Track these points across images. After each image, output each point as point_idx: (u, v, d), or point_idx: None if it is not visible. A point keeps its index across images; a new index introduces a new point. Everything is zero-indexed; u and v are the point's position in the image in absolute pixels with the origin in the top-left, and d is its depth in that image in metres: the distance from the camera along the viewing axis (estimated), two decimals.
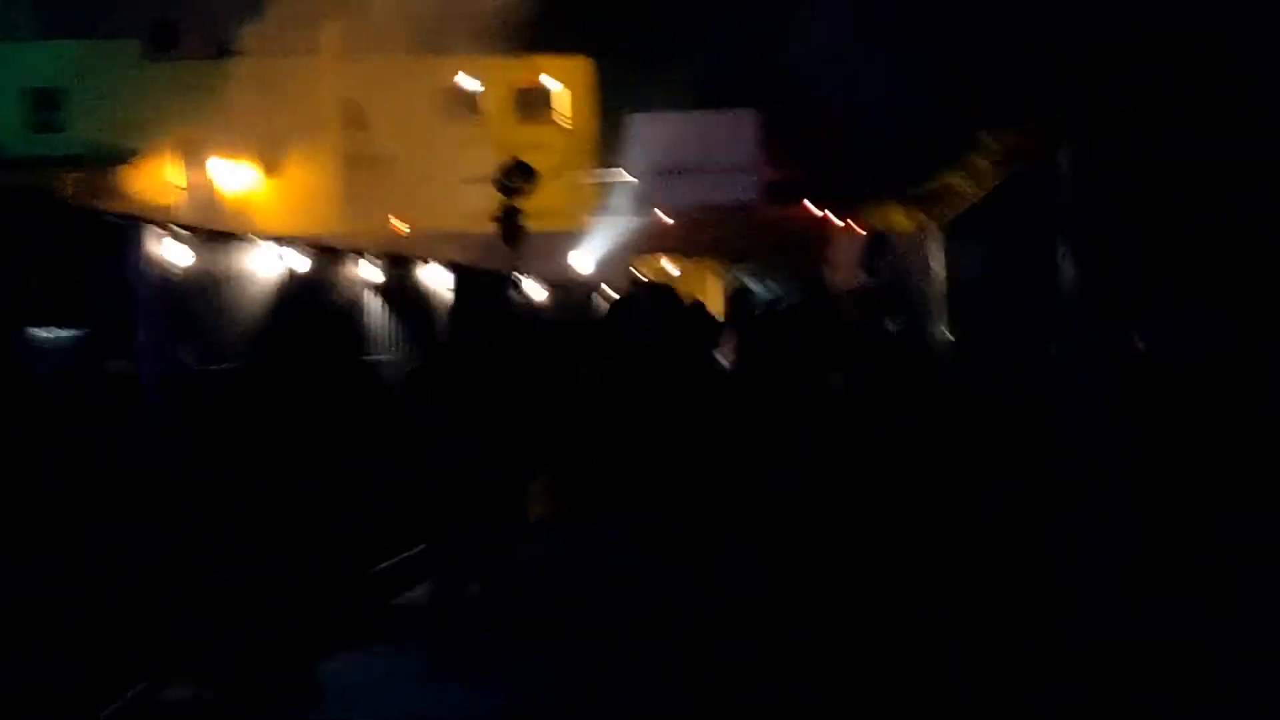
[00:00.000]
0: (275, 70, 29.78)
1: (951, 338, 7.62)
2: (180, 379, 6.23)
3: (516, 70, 32.13)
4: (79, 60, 28.89)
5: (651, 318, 11.81)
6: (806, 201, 29.12)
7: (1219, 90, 5.34)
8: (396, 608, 8.48)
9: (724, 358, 10.83)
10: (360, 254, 8.40)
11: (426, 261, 9.53)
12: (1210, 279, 4.94)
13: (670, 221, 27.39)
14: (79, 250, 5.59)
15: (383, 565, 8.53)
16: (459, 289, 9.94)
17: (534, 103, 31.99)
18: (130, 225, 5.87)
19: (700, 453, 6.16)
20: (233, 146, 29.23)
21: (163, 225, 6.12)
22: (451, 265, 9.86)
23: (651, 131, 17.53)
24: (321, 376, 7.83)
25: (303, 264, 7.46)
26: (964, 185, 26.25)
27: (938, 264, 7.67)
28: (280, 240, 7.40)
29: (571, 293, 14.14)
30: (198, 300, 6.47)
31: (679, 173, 17.43)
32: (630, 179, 17.81)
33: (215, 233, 6.75)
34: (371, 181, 31.01)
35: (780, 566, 6.02)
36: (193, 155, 29.27)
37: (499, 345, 8.05)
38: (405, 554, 8.97)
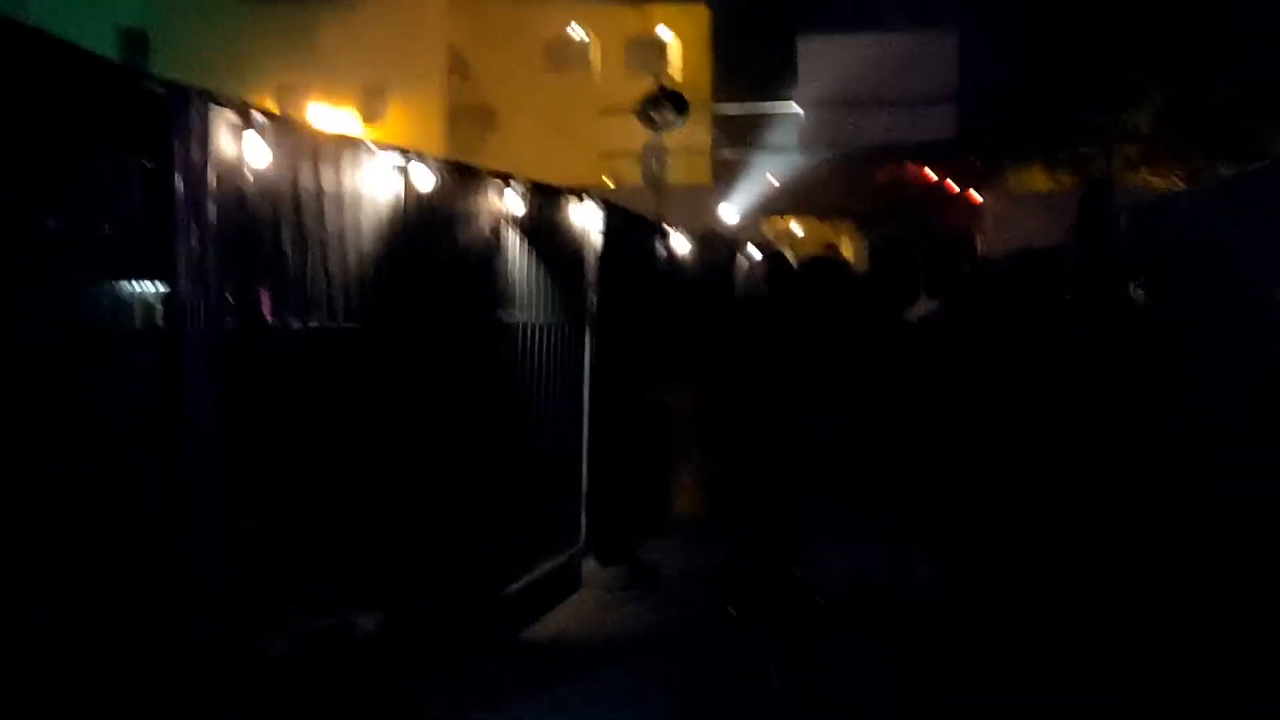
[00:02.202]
0: (377, 14, 27.75)
1: None
2: (247, 341, 4.05)
3: (628, 19, 29.80)
4: (164, 3, 26.82)
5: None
6: (929, 166, 26.51)
7: None
8: (529, 643, 6.29)
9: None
10: (504, 178, 6.16)
11: (580, 196, 7.27)
12: None
13: (777, 184, 24.94)
14: (87, 127, 3.41)
15: (514, 586, 6.36)
16: (610, 232, 7.68)
17: (645, 53, 29.55)
18: (180, 96, 3.67)
19: None
20: (331, 93, 27.20)
21: (234, 106, 3.92)
22: (605, 203, 7.60)
23: (823, 57, 14.81)
24: (448, 341, 5.64)
25: (429, 184, 5.25)
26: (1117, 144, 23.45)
27: None
28: (400, 151, 5.19)
29: (715, 248, 11.84)
30: (279, 225, 4.28)
31: (859, 105, 14.71)
32: (796, 112, 15.20)
33: (310, 129, 4.55)
34: (475, 134, 28.92)
35: None
36: (289, 101, 27.30)
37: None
38: (543, 566, 6.81)
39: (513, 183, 6.24)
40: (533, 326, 6.63)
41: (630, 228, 8.53)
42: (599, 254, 7.56)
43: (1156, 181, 20.85)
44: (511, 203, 6.21)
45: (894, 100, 14.93)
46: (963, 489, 7.63)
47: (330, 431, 4.60)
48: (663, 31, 29.86)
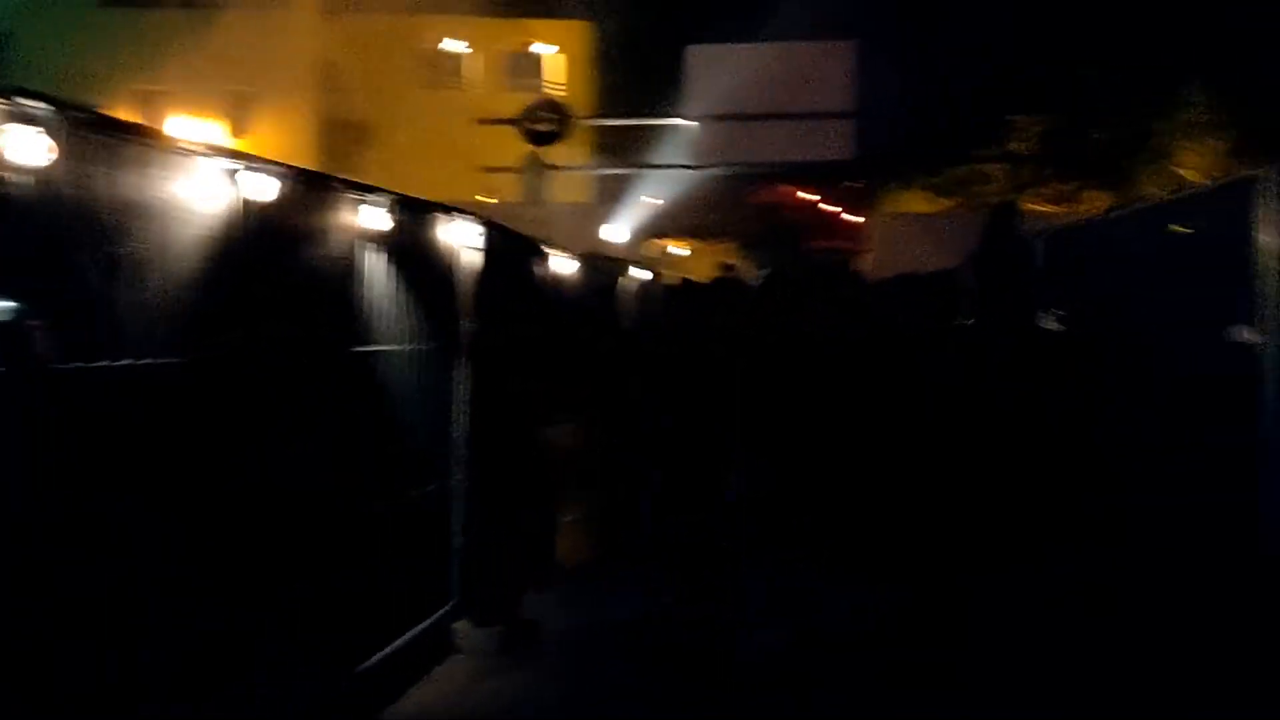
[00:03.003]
0: (246, 25, 26.36)
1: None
2: (12, 390, 3.13)
3: (506, 33, 28.91)
4: (26, 2, 25.07)
5: None
6: (812, 187, 26.20)
7: None
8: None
9: None
10: (364, 190, 5.30)
11: (453, 212, 6.43)
12: None
13: (659, 204, 24.30)
14: None
15: (371, 660, 5.45)
16: (487, 252, 6.85)
17: (524, 68, 28.70)
18: None
19: None
20: (197, 104, 25.72)
21: None
22: (481, 219, 6.76)
23: (712, 72, 13.98)
24: (292, 374, 4.74)
25: (270, 194, 4.36)
26: (995, 170, 23.41)
27: (1270, 231, 4.71)
28: (235, 155, 4.30)
29: (600, 270, 11.05)
30: (61, 243, 3.37)
31: (749, 121, 13.91)
32: (683, 127, 14.35)
33: (107, 120, 3.62)
34: (349, 149, 27.70)
35: None
36: (152, 111, 25.75)
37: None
38: (408, 633, 5.92)
39: (374, 196, 5.37)
40: (396, 355, 5.76)
41: (509, 247, 7.70)
42: (475, 275, 6.72)
43: (1036, 207, 20.76)
44: (373, 218, 5.34)
45: (787, 114, 14.24)
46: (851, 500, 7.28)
47: (131, 488, 3.68)
48: (544, 47, 29.08)
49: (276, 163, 4.60)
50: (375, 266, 5.47)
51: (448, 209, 6.39)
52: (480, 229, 6.71)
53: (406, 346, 5.88)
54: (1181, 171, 20.10)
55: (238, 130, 26.77)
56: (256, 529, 4.41)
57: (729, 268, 10.63)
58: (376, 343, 5.54)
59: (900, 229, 18.57)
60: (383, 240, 5.47)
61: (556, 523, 8.17)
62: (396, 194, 5.66)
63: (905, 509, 7.39)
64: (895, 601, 6.52)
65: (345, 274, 5.19)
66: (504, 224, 7.67)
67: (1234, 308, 5.27)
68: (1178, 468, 5.43)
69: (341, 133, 28.03)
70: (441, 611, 6.35)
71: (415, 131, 27.04)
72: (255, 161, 4.33)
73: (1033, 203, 22.15)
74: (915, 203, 24.06)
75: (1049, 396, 7.16)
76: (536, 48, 29.24)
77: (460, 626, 6.50)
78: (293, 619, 4.64)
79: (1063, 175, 21.98)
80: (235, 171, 4.24)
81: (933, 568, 7.05)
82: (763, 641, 6.13)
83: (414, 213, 5.93)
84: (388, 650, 5.59)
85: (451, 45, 29.65)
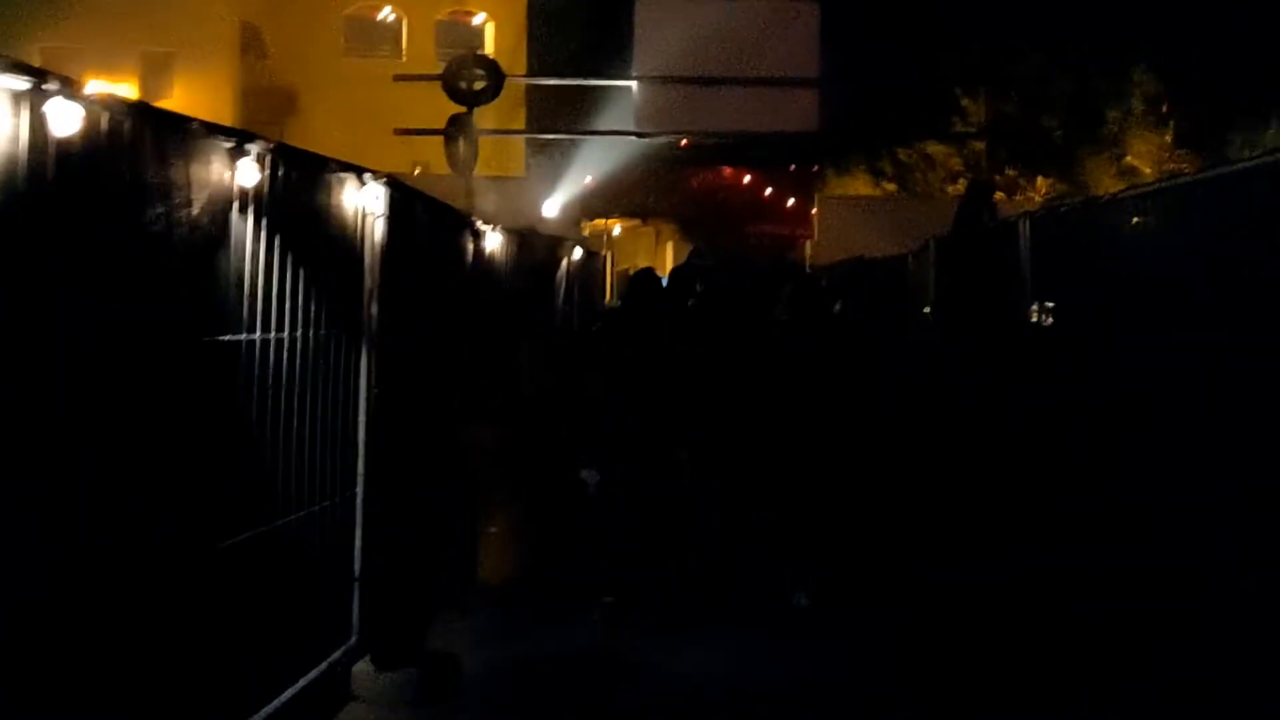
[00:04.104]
0: None
1: None
2: None
3: (439, 1, 27.47)
4: None
5: None
6: (754, 170, 25.18)
7: None
8: None
9: None
10: (230, 135, 4.08)
11: (357, 172, 5.22)
12: None
13: (597, 184, 23.09)
14: None
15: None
16: (399, 221, 5.67)
17: (457, 37, 27.24)
18: None
19: None
20: (107, 65, 24.01)
21: None
22: (392, 182, 5.56)
23: (662, 23, 12.62)
24: (126, 367, 3.55)
25: (76, 127, 3.17)
26: (939, 151, 22.51)
27: None
28: (31, 71, 3.10)
29: (535, 249, 9.89)
30: None
31: (701, 84, 12.62)
32: (626, 95, 13.11)
33: None
34: (272, 117, 26.15)
35: None
36: (55, 69, 24.05)
37: None
38: (295, 685, 4.74)
39: (248, 144, 4.16)
40: (278, 345, 4.56)
41: (428, 217, 6.51)
42: (383, 248, 5.53)
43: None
44: (245, 172, 4.13)
45: (743, 79, 12.99)
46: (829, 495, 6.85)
47: None
48: (477, 18, 27.70)
49: (102, 94, 3.42)
50: (250, 236, 4.27)
51: (349, 168, 5.18)
52: (388, 193, 5.51)
53: (291, 331, 4.68)
54: (1132, 161, 19.37)
55: (149, 94, 25.11)
56: (73, 581, 3.23)
57: (696, 251, 9.65)
58: (250, 326, 4.34)
59: (842, 213, 17.52)
60: (260, 198, 4.27)
61: (482, 535, 7.02)
62: (278, 144, 4.46)
63: (873, 508, 6.82)
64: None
65: (202, 238, 3.97)
66: (423, 192, 6.49)
67: None
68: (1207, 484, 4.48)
69: (266, 100, 26.47)
70: (336, 654, 5.18)
71: (345, 101, 25.58)
72: (59, 81, 3.13)
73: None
74: (857, 187, 23.14)
75: (1042, 401, 6.25)
76: (470, 16, 27.85)
77: (361, 669, 5.34)
78: (123, 696, 3.46)
79: (1012, 162, 21.16)
80: (29, 96, 3.04)
81: (892, 562, 6.76)
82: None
83: (302, 168, 4.72)
84: (265, 711, 4.42)
85: (382, 13, 28.17)
